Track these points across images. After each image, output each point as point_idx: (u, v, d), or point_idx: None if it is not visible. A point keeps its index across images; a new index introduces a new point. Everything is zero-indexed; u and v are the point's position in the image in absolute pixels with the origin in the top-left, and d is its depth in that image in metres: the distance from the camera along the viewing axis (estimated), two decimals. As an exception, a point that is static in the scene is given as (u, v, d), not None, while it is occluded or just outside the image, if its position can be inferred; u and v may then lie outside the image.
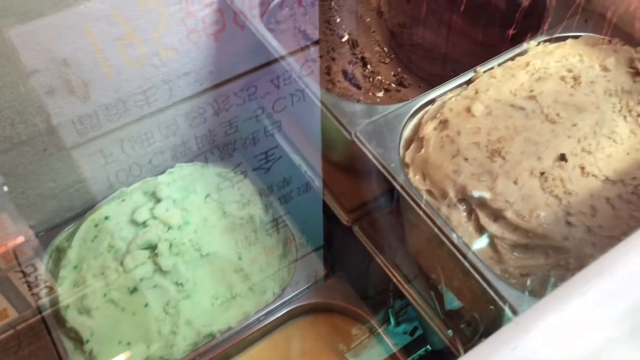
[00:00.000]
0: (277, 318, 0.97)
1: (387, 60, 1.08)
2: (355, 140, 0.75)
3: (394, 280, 0.85)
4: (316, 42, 1.01)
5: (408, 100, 1.02)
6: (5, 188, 0.98)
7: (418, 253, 0.80)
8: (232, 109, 1.06)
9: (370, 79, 1.05)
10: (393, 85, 1.05)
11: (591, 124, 0.73)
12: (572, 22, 0.87)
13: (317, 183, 0.94)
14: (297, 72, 0.83)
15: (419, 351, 0.94)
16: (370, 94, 1.04)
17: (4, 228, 0.95)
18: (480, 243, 0.67)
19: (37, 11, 0.81)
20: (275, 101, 0.98)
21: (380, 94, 1.04)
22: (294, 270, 1.01)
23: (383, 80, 1.06)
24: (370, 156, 0.74)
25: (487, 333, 0.70)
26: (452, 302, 0.78)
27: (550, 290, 0.64)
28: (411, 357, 0.95)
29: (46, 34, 0.84)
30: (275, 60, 0.86)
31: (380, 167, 0.73)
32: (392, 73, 1.07)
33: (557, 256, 0.65)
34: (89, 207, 1.06)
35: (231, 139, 1.14)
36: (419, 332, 0.96)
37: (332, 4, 1.03)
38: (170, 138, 1.14)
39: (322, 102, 0.80)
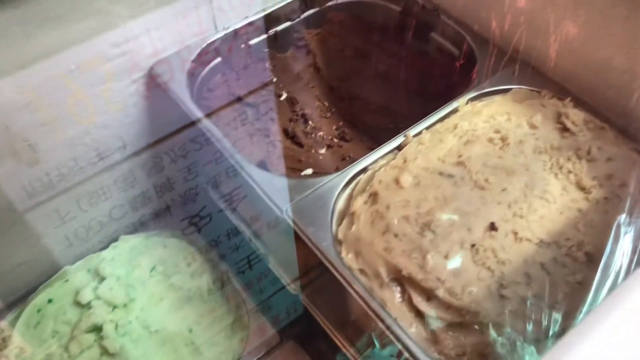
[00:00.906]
0: (231, 391, 0.94)
1: (328, 115, 1.07)
2: (287, 218, 0.74)
3: (341, 347, 0.83)
4: (252, 105, 1.00)
5: (350, 155, 1.02)
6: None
7: (360, 324, 0.79)
8: (189, 155, 1.04)
9: (312, 135, 1.04)
10: (335, 140, 1.04)
11: (521, 187, 0.72)
12: (503, 74, 0.87)
13: (263, 250, 0.93)
14: (228, 150, 0.82)
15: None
16: (313, 151, 1.02)
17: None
18: (414, 324, 0.65)
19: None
20: (215, 175, 0.97)
21: (323, 150, 1.03)
22: (246, 339, 0.99)
23: (325, 136, 1.05)
24: (302, 235, 0.72)
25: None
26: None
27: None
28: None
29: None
30: (204, 137, 0.84)
31: (311, 246, 0.71)
32: (334, 127, 1.06)
33: (491, 332, 0.63)
34: (33, 289, 1.03)
35: (192, 184, 1.13)
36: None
37: (267, 64, 1.02)
38: (128, 190, 1.12)
39: (252, 179, 0.78)
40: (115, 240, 1.07)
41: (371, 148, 0.99)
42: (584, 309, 0.65)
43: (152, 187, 1.15)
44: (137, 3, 0.84)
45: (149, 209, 1.17)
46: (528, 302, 0.65)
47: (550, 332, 0.64)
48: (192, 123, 0.90)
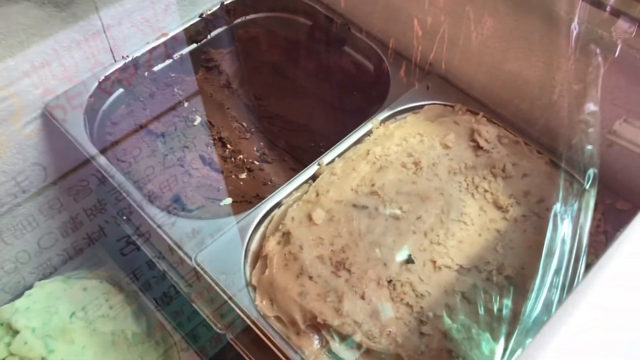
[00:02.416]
0: None
1: (248, 136, 1.03)
2: (197, 267, 0.70)
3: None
4: (162, 135, 0.94)
5: (271, 179, 0.98)
6: None
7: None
8: (118, 174, 0.99)
9: (232, 159, 1.00)
10: (256, 162, 1.00)
11: (436, 213, 0.70)
12: (416, 90, 0.85)
13: (185, 290, 0.88)
14: (128, 192, 0.77)
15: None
16: (233, 176, 0.98)
17: None
18: (334, 371, 0.62)
19: None
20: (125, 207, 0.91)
21: (244, 175, 0.98)
22: (179, 380, 0.95)
23: (245, 159, 1.00)
24: (213, 284, 0.68)
25: None
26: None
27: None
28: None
29: None
30: (105, 182, 0.79)
31: (223, 295, 0.67)
32: (255, 149, 1.02)
33: (413, 373, 0.61)
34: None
35: (125, 204, 1.07)
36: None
37: (175, 90, 0.96)
38: (56, 217, 1.07)
39: (157, 224, 0.74)
40: (29, 287, 1.01)
41: (294, 169, 0.95)
42: (513, 334, 0.64)
43: (82, 211, 1.09)
44: (15, 41, 0.77)
45: (81, 233, 1.12)
46: (450, 337, 0.63)
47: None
48: (93, 161, 0.85)
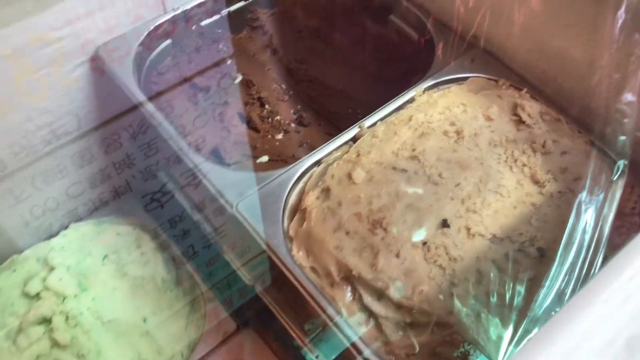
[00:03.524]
0: (187, 382, 0.93)
1: (286, 98, 1.04)
2: (237, 215, 0.72)
3: (296, 338, 0.83)
4: (205, 89, 0.96)
5: (307, 141, 0.99)
6: None
7: (313, 318, 0.78)
8: (150, 131, 1.01)
9: (269, 119, 1.01)
10: (292, 125, 1.02)
11: (475, 182, 0.71)
12: (460, 61, 0.85)
13: (218, 241, 0.90)
14: (174, 140, 0.78)
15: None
16: (269, 136, 1.00)
17: None
18: (364, 324, 0.64)
19: None
20: (169, 157, 0.94)
21: (280, 136, 1.00)
22: (203, 328, 0.98)
23: (282, 121, 1.02)
24: (251, 232, 0.70)
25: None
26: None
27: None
28: None
29: None
30: (150, 127, 0.81)
31: (261, 243, 0.70)
32: (292, 111, 1.03)
33: (441, 332, 0.63)
34: (-20, 278, 0.99)
35: (152, 161, 1.09)
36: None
37: (220, 46, 0.98)
38: (86, 167, 1.09)
39: (201, 172, 0.76)
40: (66, 228, 1.04)
41: (329, 133, 0.97)
42: (539, 305, 0.65)
43: (110, 164, 1.11)
44: (78, -17, 0.79)
45: (109, 186, 1.14)
46: (480, 301, 0.65)
47: (504, 332, 0.64)
48: (140, 109, 0.87)
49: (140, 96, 0.82)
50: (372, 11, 0.97)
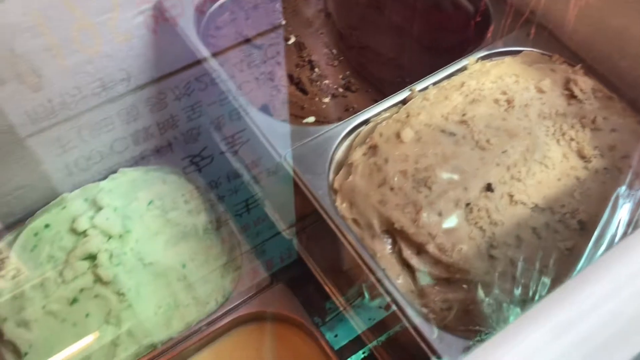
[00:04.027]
0: (219, 327, 0.96)
1: (336, 63, 1.06)
2: (285, 164, 0.74)
3: (331, 295, 0.85)
4: (259, 47, 0.98)
5: (354, 106, 1.01)
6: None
7: (350, 272, 0.80)
8: (194, 93, 1.04)
9: (318, 82, 1.03)
10: (340, 89, 1.03)
11: (522, 150, 0.72)
12: (517, 35, 0.85)
13: (260, 194, 0.93)
14: (231, 91, 0.81)
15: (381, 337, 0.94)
16: (317, 99, 1.01)
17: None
18: (402, 276, 0.66)
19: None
20: (218, 116, 0.96)
21: (327, 99, 1.02)
22: (238, 279, 1.01)
23: (330, 85, 1.03)
24: (298, 182, 0.73)
25: None
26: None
27: (469, 326, 0.64)
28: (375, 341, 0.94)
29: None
30: (209, 77, 0.83)
31: (307, 193, 0.72)
32: (340, 76, 1.05)
33: (478, 291, 0.64)
34: (30, 213, 1.04)
35: (195, 124, 1.12)
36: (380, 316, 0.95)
37: (277, 6, 1.00)
38: (131, 124, 1.12)
39: (254, 123, 0.78)
40: (115, 172, 1.07)
41: (376, 100, 0.98)
42: (573, 276, 0.66)
43: (155, 123, 1.14)
44: None
45: (151, 144, 1.17)
46: (517, 265, 0.66)
47: (537, 296, 0.66)
48: (198, 62, 0.89)
49: (200, 46, 0.84)
50: (430, -18, 0.98)
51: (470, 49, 0.85)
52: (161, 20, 0.91)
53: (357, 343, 0.95)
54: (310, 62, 1.03)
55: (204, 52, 0.84)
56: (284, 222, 0.89)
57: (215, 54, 0.93)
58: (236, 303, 0.98)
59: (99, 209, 0.99)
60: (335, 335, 0.97)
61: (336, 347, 0.96)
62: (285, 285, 1.00)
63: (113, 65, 0.96)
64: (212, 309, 0.98)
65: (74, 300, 0.93)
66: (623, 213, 0.70)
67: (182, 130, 1.18)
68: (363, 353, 0.95)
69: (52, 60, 0.88)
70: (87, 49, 0.93)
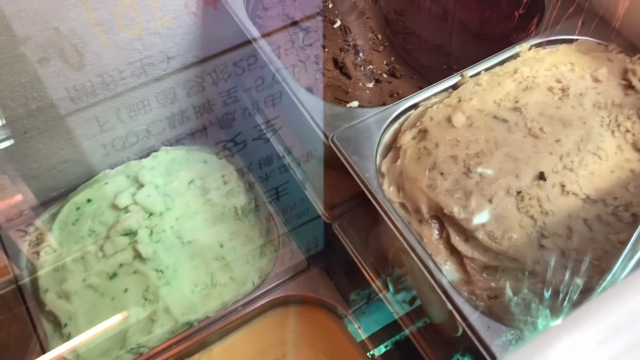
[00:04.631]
0: (255, 308, 0.97)
1: (381, 49, 1.05)
2: (332, 145, 0.73)
3: (370, 280, 0.85)
4: (305, 30, 0.98)
5: (398, 92, 1.00)
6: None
7: (392, 258, 0.79)
8: (231, 78, 1.04)
9: (362, 67, 1.02)
10: (384, 75, 1.02)
11: (576, 140, 0.70)
12: (570, 23, 0.83)
13: (300, 177, 0.93)
14: (280, 71, 0.80)
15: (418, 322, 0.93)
16: (360, 84, 1.01)
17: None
18: (449, 262, 0.65)
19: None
20: (258, 100, 0.96)
21: (371, 85, 1.01)
22: (275, 262, 1.01)
23: (374, 70, 1.02)
24: (345, 164, 0.72)
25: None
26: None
27: (516, 315, 0.63)
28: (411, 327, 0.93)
29: (37, 2, 0.81)
30: (248, 62, 0.83)
31: (354, 175, 0.71)
32: (385, 62, 1.04)
33: (527, 280, 0.63)
34: (73, 187, 1.06)
35: (230, 109, 1.13)
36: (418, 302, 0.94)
37: (324, -11, 0.99)
38: (168, 107, 1.13)
39: (301, 103, 0.78)
40: (155, 150, 1.08)
41: (420, 87, 0.96)
42: (625, 269, 0.65)
43: (191, 106, 1.15)
44: None
45: (187, 128, 1.18)
46: (568, 256, 0.64)
47: (589, 290, 0.64)
48: (243, 43, 0.89)
49: (249, 26, 0.84)
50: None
51: (518, 38, 0.84)
52: (208, 0, 0.91)
53: (389, 330, 0.94)
54: (355, 46, 1.02)
55: (252, 31, 0.83)
56: (325, 205, 0.88)
57: (262, 35, 0.92)
58: (273, 285, 0.98)
59: (141, 186, 1.00)
60: (369, 322, 0.96)
61: (368, 334, 0.95)
62: (322, 269, 1.00)
63: (159, 42, 0.96)
64: (248, 289, 0.98)
65: (114, 275, 0.94)
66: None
67: (218, 115, 1.18)
68: (395, 340, 0.95)
69: (99, 37, 0.89)
70: (136, 26, 0.93)
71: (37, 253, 0.97)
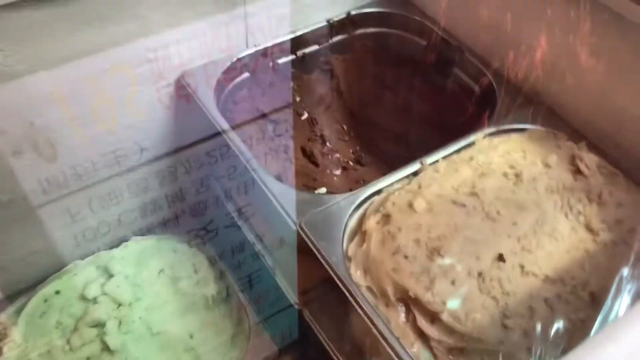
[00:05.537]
0: (226, 401, 0.95)
1: (346, 138, 1.10)
2: (300, 231, 0.76)
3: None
4: (273, 122, 1.03)
5: (364, 179, 1.04)
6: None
7: (362, 343, 0.79)
8: (204, 167, 1.06)
9: (329, 156, 1.07)
10: (351, 163, 1.07)
11: (531, 222, 0.74)
12: (521, 113, 0.89)
13: (271, 264, 0.94)
14: (249, 161, 0.84)
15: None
16: (328, 171, 1.05)
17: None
18: (416, 345, 0.66)
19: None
20: (229, 188, 0.99)
21: (338, 172, 1.05)
22: (246, 351, 1.00)
23: (341, 158, 1.07)
24: (313, 248, 0.74)
25: None
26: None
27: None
28: None
29: (15, 97, 0.83)
30: (221, 151, 0.87)
31: (322, 260, 0.73)
32: (351, 151, 1.09)
33: (492, 360, 0.64)
34: (42, 279, 1.04)
35: (202, 197, 1.14)
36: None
37: (292, 84, 1.05)
38: (140, 196, 1.14)
39: (269, 191, 0.80)
40: (126, 240, 1.09)
41: (385, 174, 1.01)
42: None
43: (163, 195, 1.16)
44: (174, 12, 0.87)
45: (158, 217, 1.19)
46: (531, 335, 0.66)
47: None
48: (214, 135, 0.93)
49: (219, 119, 0.88)
50: (436, 64, 1.03)
51: (474, 127, 0.89)
52: (179, 96, 0.96)
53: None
54: (322, 136, 1.07)
55: (223, 123, 0.87)
56: (294, 292, 0.89)
57: (232, 127, 0.97)
58: (244, 375, 0.97)
59: (110, 276, 0.99)
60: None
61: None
62: (293, 355, 0.99)
63: (131, 135, 0.99)
64: (219, 381, 0.96)
65: (80, 369, 0.92)
66: (625, 298, 0.71)
67: (190, 203, 1.20)
68: None
69: (73, 131, 0.92)
70: (108, 121, 0.97)
71: (1, 349, 0.95)
